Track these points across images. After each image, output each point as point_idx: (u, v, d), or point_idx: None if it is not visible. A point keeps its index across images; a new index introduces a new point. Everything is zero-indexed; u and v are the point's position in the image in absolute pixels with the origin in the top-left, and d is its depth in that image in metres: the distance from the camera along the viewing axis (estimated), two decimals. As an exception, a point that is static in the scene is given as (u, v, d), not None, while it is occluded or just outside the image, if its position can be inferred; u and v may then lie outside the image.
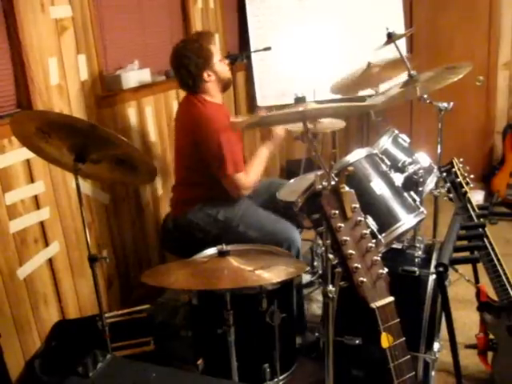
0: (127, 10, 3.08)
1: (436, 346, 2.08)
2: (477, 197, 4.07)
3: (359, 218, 1.18)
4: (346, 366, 2.15)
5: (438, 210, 2.87)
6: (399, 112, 4.19)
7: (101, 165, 1.97)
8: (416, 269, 2.11)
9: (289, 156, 4.89)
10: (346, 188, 1.18)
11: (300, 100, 1.68)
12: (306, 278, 3.19)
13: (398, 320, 1.19)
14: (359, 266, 1.16)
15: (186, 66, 2.58)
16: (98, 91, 2.74)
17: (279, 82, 3.87)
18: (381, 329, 1.16)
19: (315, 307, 2.99)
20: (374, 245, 1.17)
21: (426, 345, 2.05)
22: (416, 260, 2.23)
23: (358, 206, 1.17)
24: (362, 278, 1.16)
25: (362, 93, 2.96)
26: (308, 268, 3.10)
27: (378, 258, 1.17)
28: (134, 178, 2.16)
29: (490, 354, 2.27)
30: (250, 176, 2.60)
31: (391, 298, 1.19)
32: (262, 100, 3.86)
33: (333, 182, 1.22)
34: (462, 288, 2.86)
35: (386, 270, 1.19)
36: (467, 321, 2.61)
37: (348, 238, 1.16)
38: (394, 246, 2.26)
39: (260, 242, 2.40)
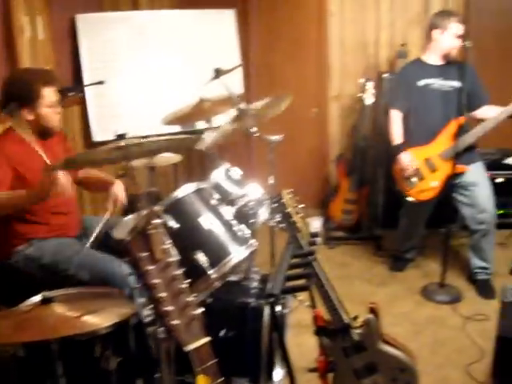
0: None
1: (277, 374, 2.10)
2: (315, 223, 4.25)
3: (170, 259, 1.14)
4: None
5: (274, 240, 2.95)
6: (236, 144, 4.26)
7: None
8: (250, 300, 2.14)
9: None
10: (158, 229, 1.15)
11: (121, 137, 1.64)
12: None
13: (215, 360, 1.17)
14: (171, 308, 1.12)
15: (8, 93, 2.40)
16: None
17: (116, 117, 3.77)
18: (196, 371, 1.13)
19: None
20: (186, 285, 1.14)
21: (266, 374, 2.07)
22: (252, 291, 2.26)
23: (168, 246, 1.14)
24: (174, 322, 1.12)
25: (196, 125, 2.98)
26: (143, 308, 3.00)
27: (192, 299, 1.15)
28: None
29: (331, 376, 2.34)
30: None
31: (206, 339, 1.17)
32: (98, 135, 3.73)
33: (158, 220, 1.18)
34: (305, 313, 2.93)
35: (202, 309, 1.17)
36: (311, 345, 2.67)
37: (158, 281, 1.12)
38: (231, 278, 2.27)
39: (92, 283, 2.29)
